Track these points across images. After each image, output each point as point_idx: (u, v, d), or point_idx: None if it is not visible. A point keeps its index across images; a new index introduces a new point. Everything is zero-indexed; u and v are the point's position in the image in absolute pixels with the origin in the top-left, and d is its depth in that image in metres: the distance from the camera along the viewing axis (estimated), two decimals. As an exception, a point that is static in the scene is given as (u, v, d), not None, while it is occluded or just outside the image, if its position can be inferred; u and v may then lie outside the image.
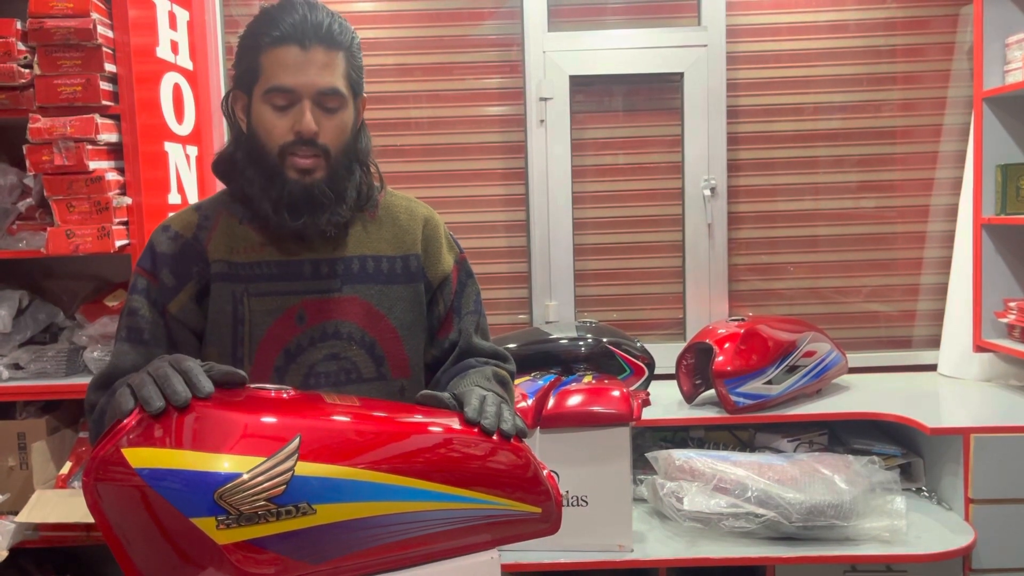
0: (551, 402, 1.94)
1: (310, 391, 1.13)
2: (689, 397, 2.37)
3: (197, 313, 1.24)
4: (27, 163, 1.92)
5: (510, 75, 2.71)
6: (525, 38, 2.65)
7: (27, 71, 1.92)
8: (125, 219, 1.99)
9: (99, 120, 1.91)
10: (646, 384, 2.30)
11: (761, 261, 2.76)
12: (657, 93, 2.72)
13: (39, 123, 1.90)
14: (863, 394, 2.44)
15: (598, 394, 1.95)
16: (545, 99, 2.66)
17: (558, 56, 2.65)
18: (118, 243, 1.96)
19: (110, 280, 2.27)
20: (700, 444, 2.37)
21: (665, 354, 2.49)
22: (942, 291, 2.69)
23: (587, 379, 2.08)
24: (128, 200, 2.00)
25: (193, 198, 2.30)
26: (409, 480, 0.95)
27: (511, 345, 2.27)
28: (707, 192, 2.68)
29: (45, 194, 1.94)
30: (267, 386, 1.01)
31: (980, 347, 2.44)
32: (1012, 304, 2.35)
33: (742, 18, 2.68)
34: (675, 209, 2.74)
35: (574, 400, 1.94)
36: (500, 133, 2.72)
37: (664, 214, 2.75)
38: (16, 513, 1.96)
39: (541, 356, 2.25)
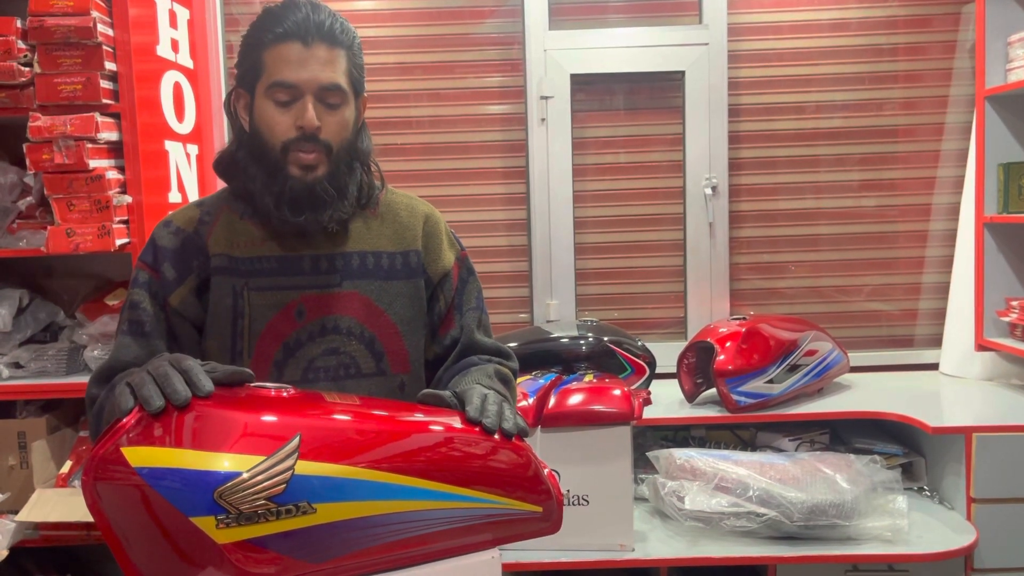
0: (552, 401, 1.94)
1: (310, 390, 1.13)
2: (690, 396, 2.37)
3: (197, 306, 1.24)
4: (27, 162, 1.92)
5: (511, 73, 2.71)
6: (526, 36, 2.64)
7: (27, 69, 1.92)
8: (125, 218, 1.99)
9: (99, 119, 1.91)
10: (647, 383, 2.30)
11: (762, 260, 2.76)
12: (658, 91, 2.71)
13: (39, 121, 1.89)
14: (865, 393, 2.43)
15: (599, 393, 1.95)
16: (546, 97, 2.65)
17: (559, 54, 2.64)
18: (118, 242, 1.95)
19: (110, 279, 2.27)
20: (701, 443, 2.36)
21: (666, 353, 2.48)
22: (944, 290, 2.69)
23: (588, 378, 2.07)
24: (128, 199, 1.99)
25: (193, 196, 2.30)
26: (410, 479, 0.95)
27: (512, 344, 2.26)
28: (708, 191, 2.67)
29: (45, 193, 1.94)
30: (267, 385, 1.00)
31: (982, 346, 2.44)
32: (1014, 303, 2.34)
33: (743, 16, 2.68)
34: (676, 208, 2.74)
35: (575, 399, 1.94)
36: (501, 132, 2.72)
37: (665, 213, 2.75)
38: (16, 512, 1.96)
39: (542, 355, 2.25)
